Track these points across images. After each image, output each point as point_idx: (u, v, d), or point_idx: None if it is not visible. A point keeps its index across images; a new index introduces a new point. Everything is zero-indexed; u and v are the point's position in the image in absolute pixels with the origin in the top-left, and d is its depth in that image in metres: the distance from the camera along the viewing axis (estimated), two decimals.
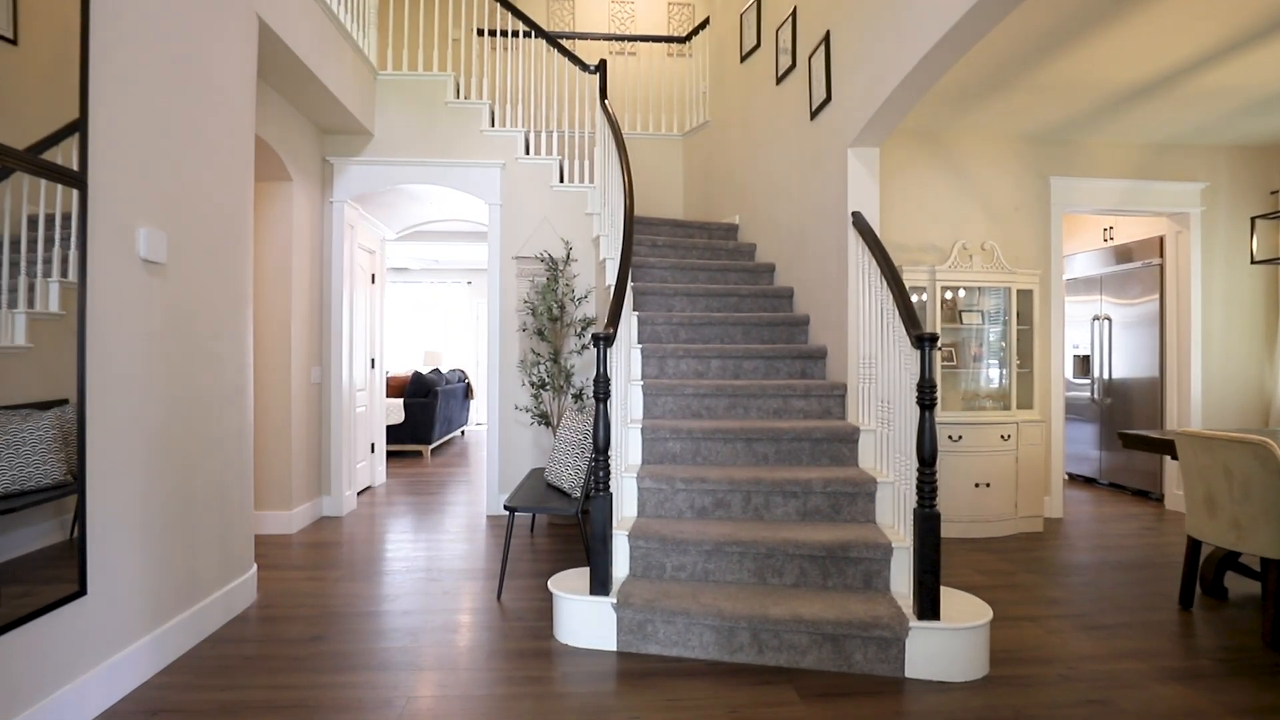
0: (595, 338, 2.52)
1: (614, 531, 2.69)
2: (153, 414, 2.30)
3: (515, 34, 5.50)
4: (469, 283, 10.93)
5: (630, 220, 3.40)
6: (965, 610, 2.39)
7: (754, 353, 3.65)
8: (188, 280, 2.49)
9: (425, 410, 7.21)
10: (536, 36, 5.02)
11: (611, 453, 2.73)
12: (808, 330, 3.92)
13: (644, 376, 3.61)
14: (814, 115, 3.77)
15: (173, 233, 2.39)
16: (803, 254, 3.95)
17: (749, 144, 4.78)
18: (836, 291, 3.48)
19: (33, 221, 1.86)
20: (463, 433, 9.67)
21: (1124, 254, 5.43)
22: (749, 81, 4.81)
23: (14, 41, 1.81)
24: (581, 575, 2.77)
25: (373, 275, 5.42)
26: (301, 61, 3.48)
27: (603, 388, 2.53)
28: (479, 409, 10.54)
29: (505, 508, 3.06)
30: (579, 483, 3.25)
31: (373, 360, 5.42)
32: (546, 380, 4.43)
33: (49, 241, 1.91)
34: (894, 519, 2.78)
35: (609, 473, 2.57)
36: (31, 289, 1.85)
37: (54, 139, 1.92)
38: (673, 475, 2.90)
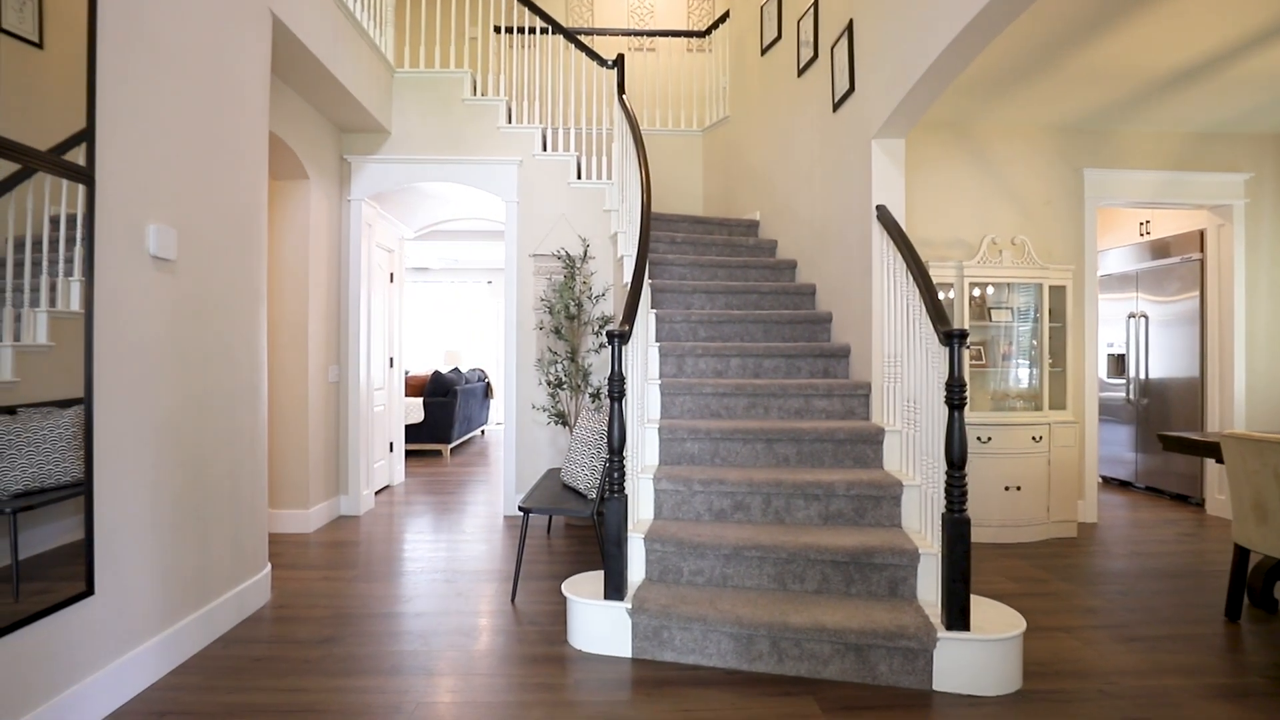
0: (610, 335, 2.45)
1: (629, 534, 2.62)
2: (163, 412, 2.27)
3: (533, 30, 5.46)
4: (489, 282, 10.94)
5: (648, 216, 3.33)
6: (996, 620, 2.28)
7: (775, 351, 3.56)
8: (199, 277, 2.47)
9: (445, 409, 7.20)
10: (554, 32, 4.96)
11: (627, 453, 2.66)
12: (830, 328, 3.82)
13: (661, 375, 3.53)
14: (836, 107, 3.67)
15: (184, 229, 2.37)
16: (825, 250, 3.85)
17: (770, 138, 4.68)
18: (860, 288, 3.37)
19: (55, 221, 1.87)
20: (482, 432, 9.68)
21: (1161, 249, 5.23)
22: (770, 74, 4.70)
23: (40, 45, 1.83)
24: (596, 579, 2.71)
25: (391, 274, 5.41)
26: (317, 59, 3.45)
27: (618, 387, 2.46)
28: (499, 408, 10.54)
29: (519, 509, 3.00)
30: (595, 484, 3.18)
31: (391, 359, 5.42)
32: (564, 379, 4.37)
33: (70, 241, 1.93)
34: (921, 524, 2.68)
35: (624, 474, 2.50)
36: (53, 288, 1.87)
37: (77, 139, 1.94)
38: (690, 477, 2.83)
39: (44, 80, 1.83)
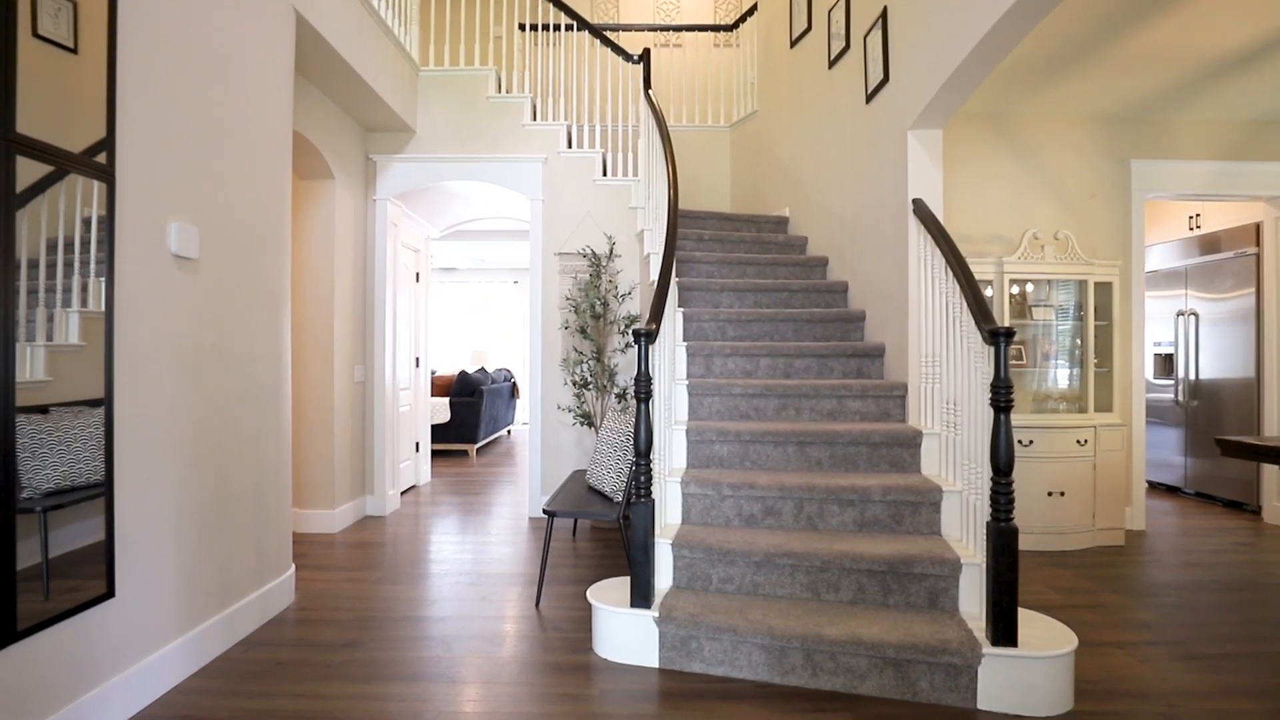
0: (636, 334, 2.37)
1: (656, 540, 2.53)
2: (185, 412, 2.25)
3: (558, 27, 5.41)
4: (515, 282, 10.94)
5: (674, 213, 3.24)
6: (1045, 635, 2.15)
7: (806, 351, 3.44)
8: (222, 276, 2.45)
9: (471, 409, 7.20)
10: (580, 29, 4.90)
11: (654, 456, 2.58)
12: (863, 327, 3.70)
13: (689, 376, 3.44)
14: (870, 98, 3.55)
15: (205, 228, 2.35)
16: (858, 246, 3.72)
17: (800, 133, 4.56)
18: (896, 285, 3.25)
19: (87, 222, 1.88)
20: (509, 432, 9.67)
21: (1212, 244, 4.99)
22: (799, 67, 4.59)
23: (74, 50, 1.84)
24: (623, 585, 2.63)
25: (417, 274, 5.40)
26: (342, 57, 3.43)
27: (644, 387, 2.38)
28: (524, 408, 10.54)
29: (544, 511, 2.94)
30: (621, 486, 3.11)
31: (417, 359, 5.41)
32: (589, 379, 4.30)
33: (101, 242, 1.93)
34: (962, 531, 2.55)
35: (651, 478, 2.41)
36: (84, 288, 1.88)
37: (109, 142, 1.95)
38: (719, 480, 2.73)
39: (78, 84, 1.84)
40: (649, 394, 2.39)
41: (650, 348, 2.42)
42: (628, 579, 2.68)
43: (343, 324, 4.19)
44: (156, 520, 2.12)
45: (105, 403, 1.91)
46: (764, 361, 3.47)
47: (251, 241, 2.64)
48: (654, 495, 2.50)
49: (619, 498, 3.10)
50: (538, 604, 2.92)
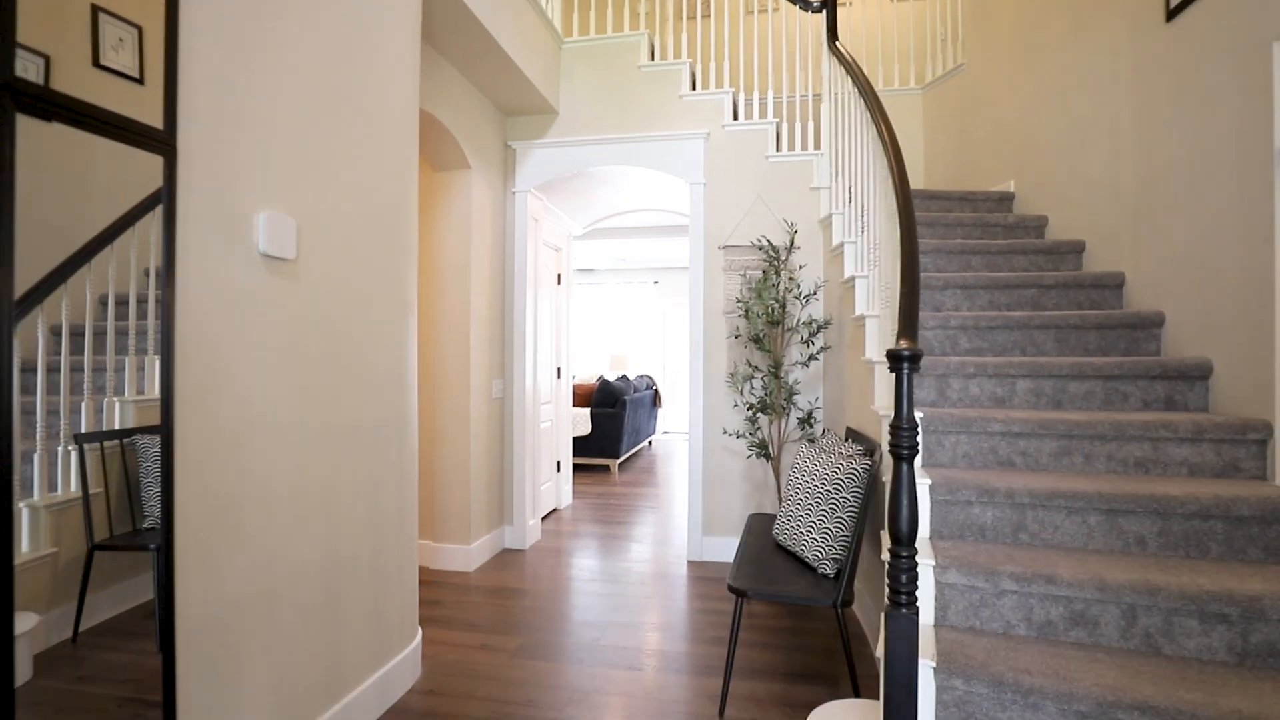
0: (895, 357, 1.55)
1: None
2: (280, 450, 1.72)
3: None
4: (655, 282, 10.34)
5: (903, 182, 2.36)
6: None
7: (1083, 369, 2.46)
8: (327, 282, 1.91)
9: (613, 421, 6.63)
10: None
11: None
12: (1160, 335, 2.64)
13: (917, 402, 2.57)
14: (1174, 13, 2.51)
15: (306, 221, 1.81)
16: (1148, 222, 2.67)
17: (1031, 83, 3.52)
18: (1240, 273, 2.20)
19: None
20: (649, 443, 9.06)
21: None
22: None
23: None
24: (853, 712, 1.82)
25: (559, 275, 4.87)
26: (477, 20, 2.89)
27: (908, 438, 1.55)
28: (666, 418, 9.90)
29: (730, 589, 2.19)
30: (828, 555, 2.30)
31: (559, 370, 4.87)
32: (767, 400, 3.49)
33: None
34: None
35: (914, 577, 1.58)
36: None
37: None
38: (995, 567, 1.85)
39: None
40: (914, 449, 1.56)
41: (913, 378, 1.59)
42: (856, 703, 1.87)
43: (479, 334, 3.68)
44: (240, 602, 1.59)
45: (163, 443, 1.39)
46: (1022, 384, 2.52)
47: (368, 239, 2.10)
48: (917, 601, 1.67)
49: (825, 569, 2.30)
50: (722, 712, 2.18)
